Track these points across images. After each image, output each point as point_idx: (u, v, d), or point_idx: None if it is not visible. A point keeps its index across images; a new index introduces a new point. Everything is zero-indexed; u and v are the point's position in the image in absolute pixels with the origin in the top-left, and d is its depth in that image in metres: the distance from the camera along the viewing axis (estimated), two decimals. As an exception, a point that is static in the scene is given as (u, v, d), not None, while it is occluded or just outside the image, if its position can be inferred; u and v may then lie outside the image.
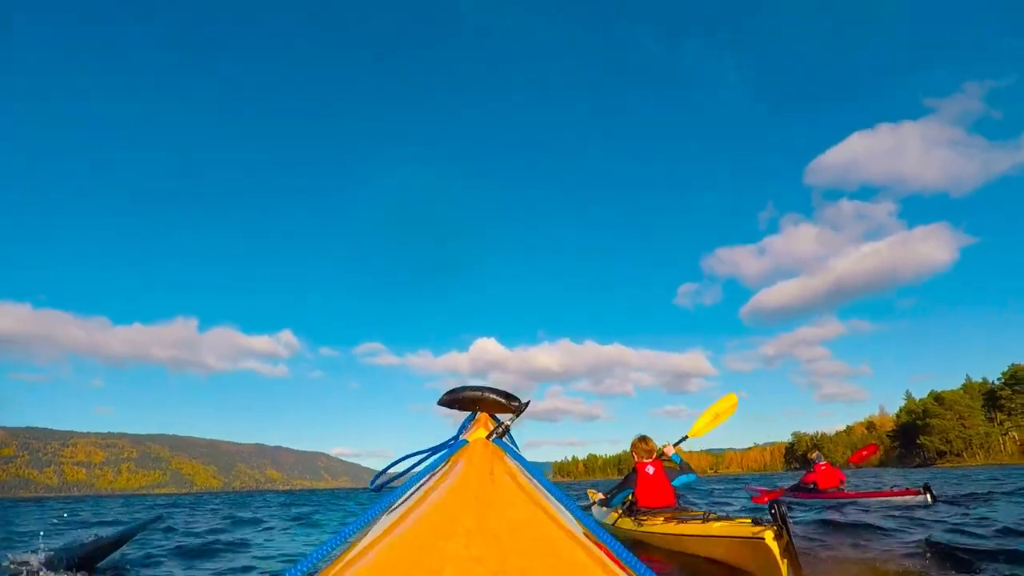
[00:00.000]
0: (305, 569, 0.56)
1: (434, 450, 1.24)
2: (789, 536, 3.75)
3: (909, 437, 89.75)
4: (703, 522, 4.33)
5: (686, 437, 5.75)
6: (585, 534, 0.67)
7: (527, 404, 1.24)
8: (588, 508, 7.00)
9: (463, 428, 1.32)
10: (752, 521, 4.00)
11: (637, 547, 4.62)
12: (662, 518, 4.78)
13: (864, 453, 13.33)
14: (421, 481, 0.89)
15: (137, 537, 5.58)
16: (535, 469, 0.91)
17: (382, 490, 1.18)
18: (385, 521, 0.68)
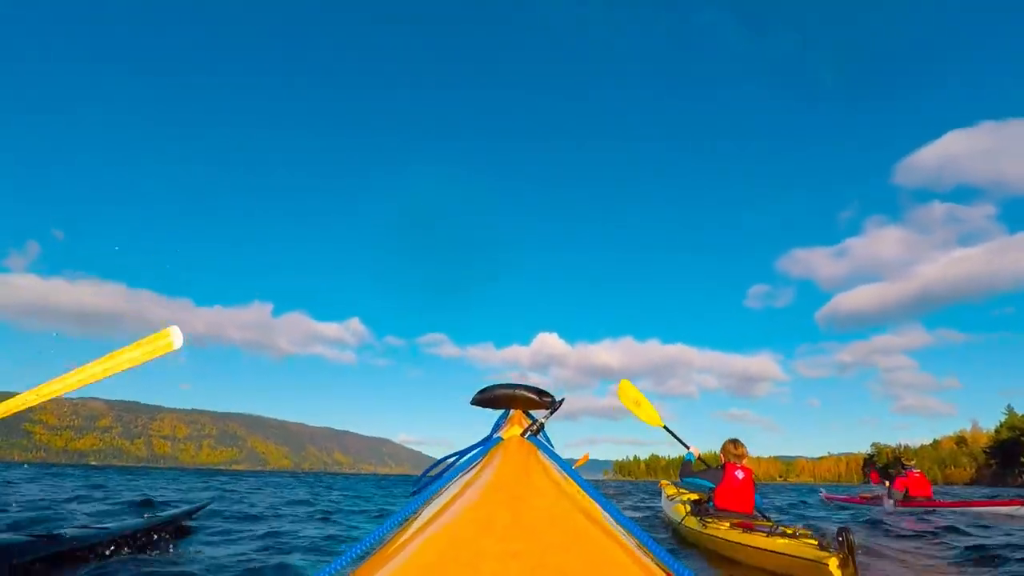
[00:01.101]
0: (343, 564, 0.57)
1: (469, 448, 1.25)
2: (855, 565, 3.59)
3: (1010, 455, 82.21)
4: (768, 535, 4.19)
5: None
6: (621, 531, 0.67)
7: (561, 401, 1.24)
8: (670, 497, 6.97)
9: (497, 426, 1.33)
10: (818, 544, 3.83)
11: (695, 550, 4.53)
12: (728, 523, 4.65)
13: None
14: (457, 478, 0.90)
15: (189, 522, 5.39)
16: (569, 466, 0.92)
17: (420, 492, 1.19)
18: (422, 517, 0.69)
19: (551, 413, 1.21)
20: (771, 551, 4.14)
